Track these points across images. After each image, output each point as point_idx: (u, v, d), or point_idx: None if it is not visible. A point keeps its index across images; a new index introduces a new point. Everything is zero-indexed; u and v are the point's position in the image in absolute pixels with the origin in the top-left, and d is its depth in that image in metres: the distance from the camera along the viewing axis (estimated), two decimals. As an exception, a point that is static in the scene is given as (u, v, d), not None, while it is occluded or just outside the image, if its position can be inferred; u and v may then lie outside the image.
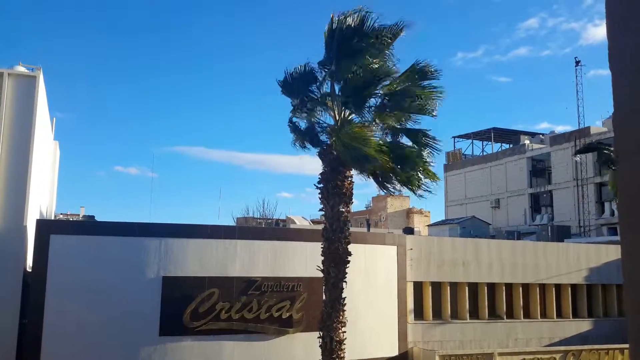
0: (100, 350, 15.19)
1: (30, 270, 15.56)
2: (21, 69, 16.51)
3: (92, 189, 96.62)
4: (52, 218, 25.14)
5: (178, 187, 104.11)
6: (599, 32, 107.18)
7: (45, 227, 15.89)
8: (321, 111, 14.00)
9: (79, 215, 35.80)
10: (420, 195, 13.57)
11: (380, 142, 13.34)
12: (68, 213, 41.86)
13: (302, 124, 14.19)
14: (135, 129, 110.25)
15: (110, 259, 15.79)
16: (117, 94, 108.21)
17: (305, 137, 14.08)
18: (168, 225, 16.81)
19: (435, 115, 13.43)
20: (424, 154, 13.61)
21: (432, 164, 13.66)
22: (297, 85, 13.72)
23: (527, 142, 46.74)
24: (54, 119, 23.97)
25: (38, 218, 17.29)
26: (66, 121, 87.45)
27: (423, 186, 13.49)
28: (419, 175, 13.46)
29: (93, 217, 25.77)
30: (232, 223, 43.71)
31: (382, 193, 14.86)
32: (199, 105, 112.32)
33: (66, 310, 15.10)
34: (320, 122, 14.01)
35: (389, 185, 13.97)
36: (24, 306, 15.18)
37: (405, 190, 13.99)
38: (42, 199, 20.58)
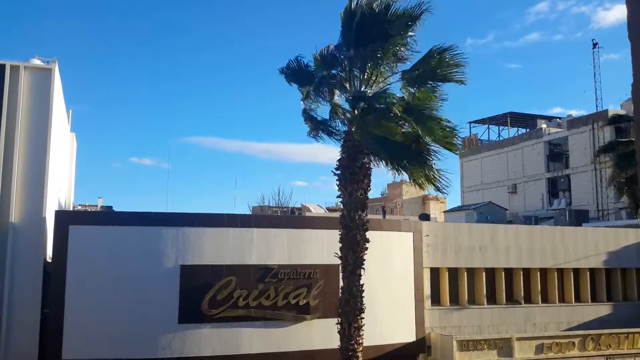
0: (121, 338, 15.37)
1: (50, 261, 15.77)
2: (37, 62, 16.62)
3: (108, 180, 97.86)
4: (71, 209, 25.40)
5: (193, 177, 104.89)
6: (609, 15, 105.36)
7: (64, 218, 16.06)
8: (341, 94, 13.78)
9: (97, 206, 36.16)
10: (438, 189, 13.26)
11: (400, 129, 13.09)
12: (86, 204, 42.29)
13: (318, 113, 14.09)
14: (148, 121, 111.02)
15: (129, 248, 15.93)
16: (130, 86, 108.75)
17: (320, 126, 13.97)
18: (185, 214, 16.89)
19: (463, 82, 12.92)
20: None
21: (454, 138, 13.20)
22: (306, 73, 13.61)
23: (544, 126, 46.14)
24: (70, 110, 24.15)
25: (57, 209, 17.48)
26: (81, 113, 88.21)
27: (439, 180, 13.10)
28: (434, 168, 13.08)
29: (111, 207, 25.99)
30: (248, 212, 43.86)
31: (405, 179, 14.55)
32: (210, 96, 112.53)
33: (86, 299, 15.29)
34: (336, 108, 13.79)
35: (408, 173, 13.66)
36: (45, 296, 15.42)
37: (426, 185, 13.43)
38: (61, 191, 20.80)
